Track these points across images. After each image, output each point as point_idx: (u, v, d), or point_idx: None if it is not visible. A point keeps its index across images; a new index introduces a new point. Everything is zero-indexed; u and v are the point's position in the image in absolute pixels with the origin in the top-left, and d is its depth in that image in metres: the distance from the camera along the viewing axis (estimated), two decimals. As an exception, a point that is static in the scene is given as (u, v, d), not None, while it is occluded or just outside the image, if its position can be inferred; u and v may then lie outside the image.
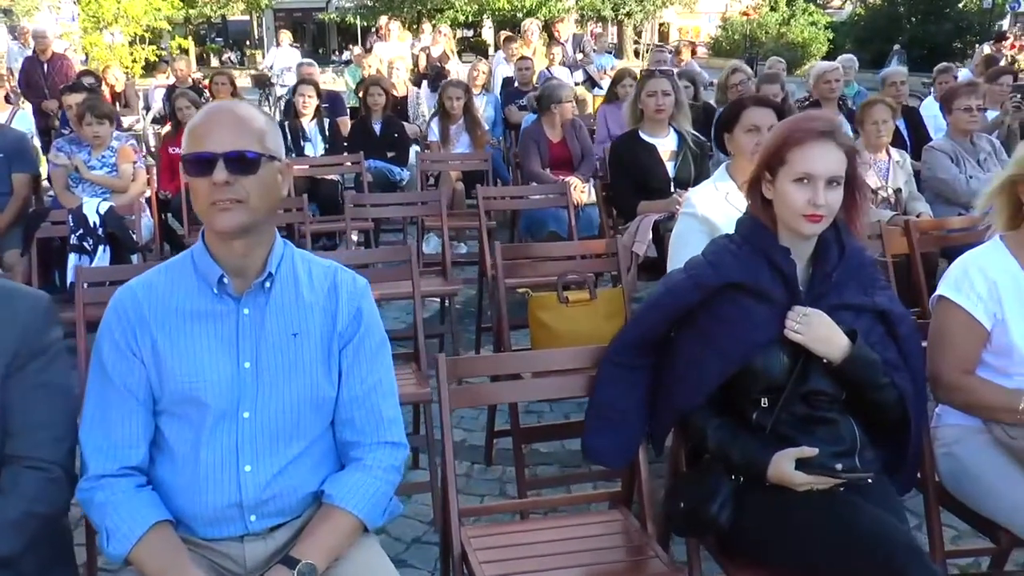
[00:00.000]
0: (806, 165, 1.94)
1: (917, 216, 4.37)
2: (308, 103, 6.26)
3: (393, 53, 9.03)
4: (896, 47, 23.07)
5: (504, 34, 10.94)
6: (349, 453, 1.82)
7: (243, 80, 18.84)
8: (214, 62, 34.18)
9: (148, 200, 5.29)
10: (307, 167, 6.07)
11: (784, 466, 1.89)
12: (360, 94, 7.05)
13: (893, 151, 4.75)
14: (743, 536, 1.97)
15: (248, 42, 37.97)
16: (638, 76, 5.20)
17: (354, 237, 6.11)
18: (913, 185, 4.77)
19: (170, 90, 8.66)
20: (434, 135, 6.44)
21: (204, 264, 1.73)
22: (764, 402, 2.00)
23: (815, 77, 6.05)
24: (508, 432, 3.02)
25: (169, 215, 6.04)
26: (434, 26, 13.24)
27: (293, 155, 6.21)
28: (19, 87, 8.84)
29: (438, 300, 4.64)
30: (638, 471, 2.13)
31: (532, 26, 10.13)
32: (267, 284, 1.75)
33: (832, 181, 1.94)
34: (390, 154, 6.47)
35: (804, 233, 1.99)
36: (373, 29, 11.66)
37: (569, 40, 11.14)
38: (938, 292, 2.28)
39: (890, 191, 4.62)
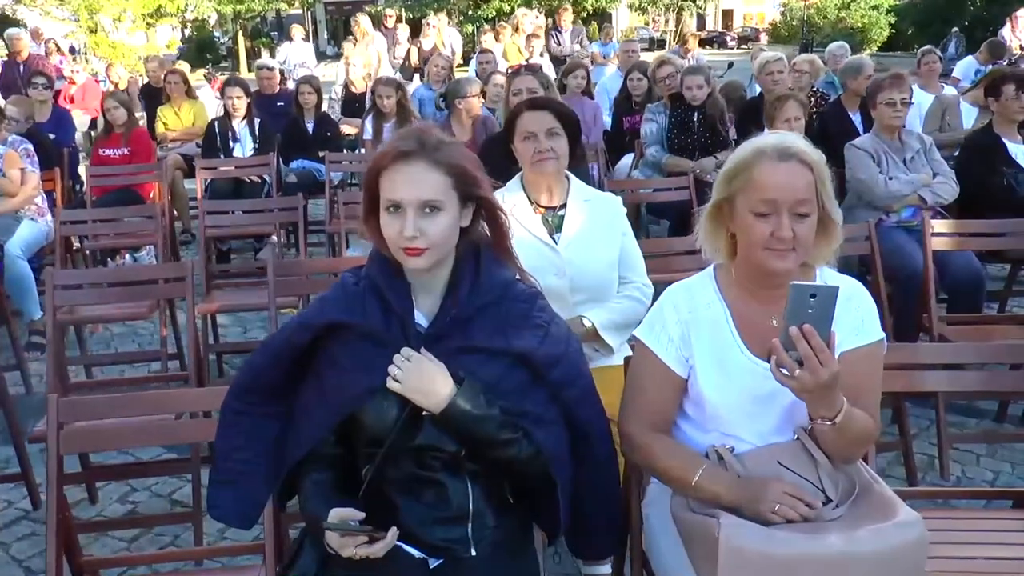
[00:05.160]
0: (391, 192, 1.67)
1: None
2: (237, 104, 6.14)
3: (357, 51, 8.88)
4: (955, 30, 21.84)
5: (500, 26, 10.68)
6: None
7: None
8: (264, 56, 34.64)
9: (53, 206, 5.26)
10: (232, 168, 5.99)
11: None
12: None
13: (806, 151, 4.32)
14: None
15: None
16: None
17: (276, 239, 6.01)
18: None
19: (143, 89, 8.72)
20: (368, 133, 6.25)
21: None
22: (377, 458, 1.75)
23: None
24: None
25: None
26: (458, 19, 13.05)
27: (222, 155, 6.12)
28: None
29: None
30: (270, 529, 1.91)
31: (522, 17, 9.89)
32: None
33: (425, 206, 1.67)
34: (322, 153, 6.31)
35: (409, 267, 1.73)
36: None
37: (568, 31, 10.88)
38: (634, 332, 1.98)
39: (796, 195, 4.22)
